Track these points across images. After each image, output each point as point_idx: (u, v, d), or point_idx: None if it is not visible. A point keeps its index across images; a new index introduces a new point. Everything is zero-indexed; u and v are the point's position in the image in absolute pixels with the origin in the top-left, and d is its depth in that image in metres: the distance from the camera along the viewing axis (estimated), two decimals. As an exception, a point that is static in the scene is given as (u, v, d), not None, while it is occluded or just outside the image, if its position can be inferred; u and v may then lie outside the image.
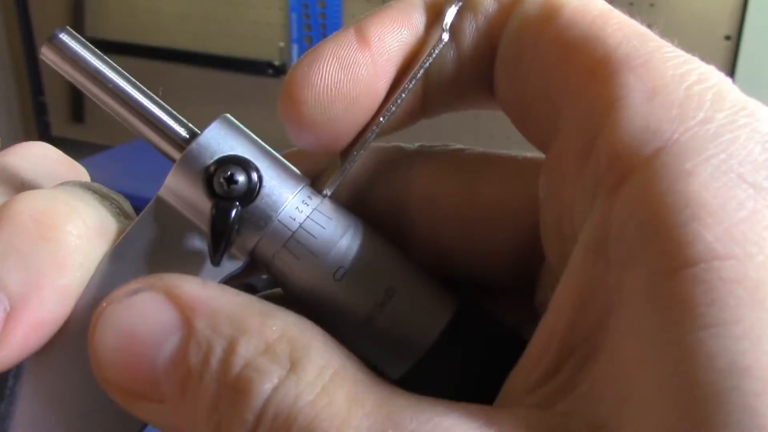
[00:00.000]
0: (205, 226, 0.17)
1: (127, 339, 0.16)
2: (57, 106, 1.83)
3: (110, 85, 0.18)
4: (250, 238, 0.17)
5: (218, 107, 1.71)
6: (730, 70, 1.17)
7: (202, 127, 0.18)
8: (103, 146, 1.56)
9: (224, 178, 0.17)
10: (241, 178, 0.17)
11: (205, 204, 0.17)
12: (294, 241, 0.17)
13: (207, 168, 0.17)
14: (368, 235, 0.18)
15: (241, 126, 0.19)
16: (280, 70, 1.52)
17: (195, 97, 1.65)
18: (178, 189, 0.18)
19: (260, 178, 0.18)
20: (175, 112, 0.19)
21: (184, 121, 0.19)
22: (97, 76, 0.18)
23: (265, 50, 1.53)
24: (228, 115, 0.18)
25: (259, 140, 0.19)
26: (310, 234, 0.17)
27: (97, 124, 1.80)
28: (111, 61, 0.18)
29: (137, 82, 0.18)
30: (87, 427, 0.18)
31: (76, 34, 0.18)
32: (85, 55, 0.18)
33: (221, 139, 0.18)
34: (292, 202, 0.17)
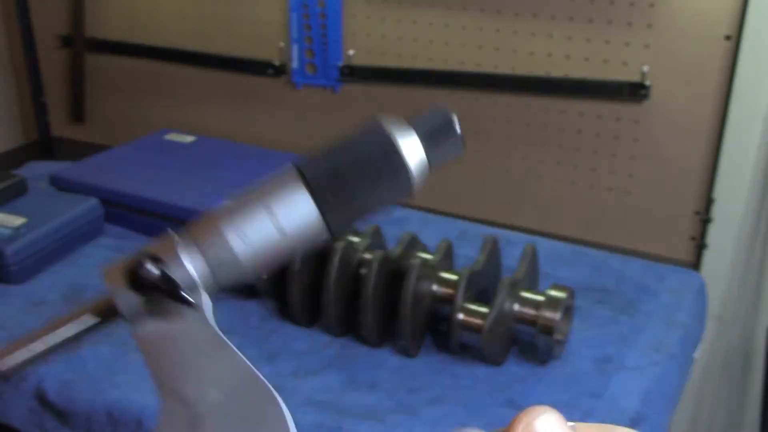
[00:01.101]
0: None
1: None
2: (57, 106, 1.83)
3: (51, 347, 0.25)
4: (190, 283, 0.23)
5: (218, 107, 1.72)
6: (730, 70, 1.17)
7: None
8: (103, 146, 1.55)
9: (140, 273, 0.23)
10: (152, 269, 0.22)
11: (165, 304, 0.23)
12: (209, 261, 0.23)
13: (132, 286, 0.23)
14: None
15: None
16: (280, 70, 1.52)
17: (195, 97, 1.65)
18: (136, 313, 0.23)
19: (154, 256, 0.23)
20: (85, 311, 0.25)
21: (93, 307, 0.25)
22: (39, 354, 0.25)
23: (265, 50, 1.53)
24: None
25: None
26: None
27: (97, 124, 1.80)
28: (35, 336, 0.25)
29: (56, 325, 0.25)
30: None
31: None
32: (23, 355, 0.25)
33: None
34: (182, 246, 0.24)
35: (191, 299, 0.22)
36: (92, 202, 1.23)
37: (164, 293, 0.22)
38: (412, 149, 0.24)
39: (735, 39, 1.15)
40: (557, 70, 1.29)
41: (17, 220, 1.15)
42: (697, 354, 1.11)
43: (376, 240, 1.08)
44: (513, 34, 1.30)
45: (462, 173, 1.43)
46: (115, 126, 1.77)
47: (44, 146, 1.84)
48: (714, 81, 1.19)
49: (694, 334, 1.08)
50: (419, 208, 1.40)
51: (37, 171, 1.45)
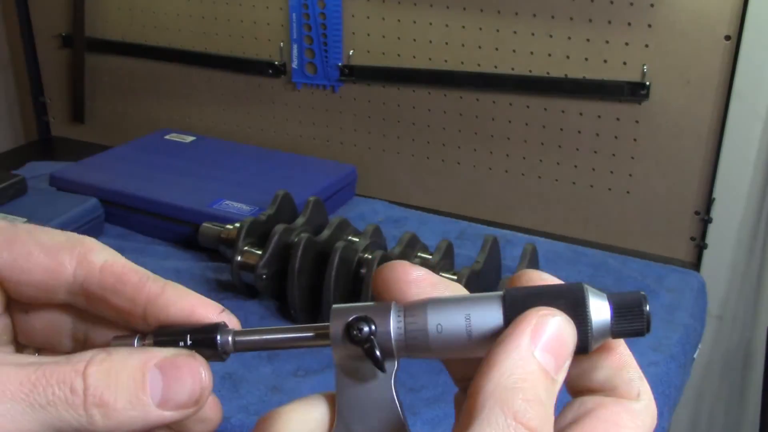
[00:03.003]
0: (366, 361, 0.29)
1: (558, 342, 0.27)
2: (57, 106, 1.83)
3: (273, 341, 0.31)
4: (389, 348, 0.29)
5: (218, 107, 1.72)
6: (730, 70, 1.17)
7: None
8: (103, 146, 1.55)
9: (356, 331, 0.28)
10: (364, 327, 0.28)
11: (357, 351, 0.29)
12: (406, 337, 0.29)
13: (348, 336, 0.29)
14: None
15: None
16: (280, 70, 1.52)
17: (195, 97, 1.65)
18: (341, 353, 0.29)
19: (369, 318, 0.29)
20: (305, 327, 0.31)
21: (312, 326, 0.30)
22: (264, 341, 0.31)
23: (265, 50, 1.53)
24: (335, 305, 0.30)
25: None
26: (409, 330, 0.29)
27: (97, 124, 1.80)
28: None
29: (283, 329, 0.32)
30: None
31: None
32: (252, 339, 0.31)
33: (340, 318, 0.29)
34: (393, 315, 0.29)
35: (383, 364, 0.28)
36: (92, 202, 1.23)
37: (365, 351, 0.28)
38: (598, 307, 0.28)
39: (735, 39, 1.15)
40: (557, 70, 1.29)
41: (17, 220, 1.15)
42: (697, 354, 1.11)
43: (376, 240, 1.08)
44: (513, 34, 1.30)
45: (462, 173, 1.43)
46: (115, 126, 1.77)
47: (44, 146, 1.84)
48: (714, 81, 1.19)
49: (694, 334, 1.08)
50: (419, 208, 1.40)
51: (37, 171, 1.45)
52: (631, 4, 1.20)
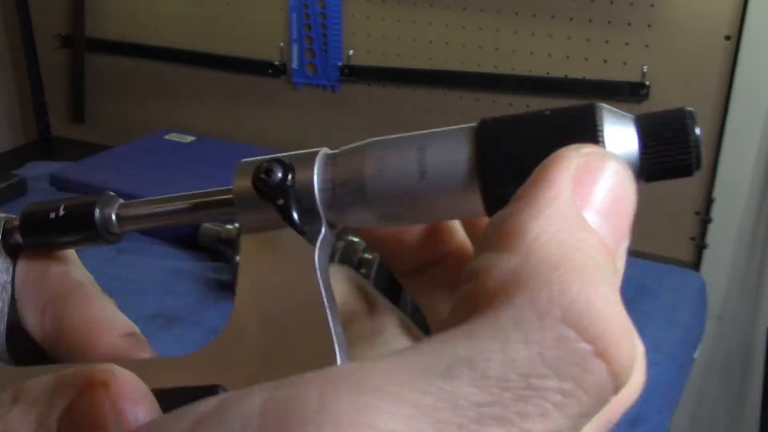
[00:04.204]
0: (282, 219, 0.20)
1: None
2: (57, 106, 1.83)
3: (165, 213, 0.23)
4: (311, 204, 0.20)
5: (218, 107, 1.71)
6: (730, 70, 1.17)
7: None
8: (103, 146, 1.55)
9: (264, 174, 0.20)
10: (277, 172, 0.20)
11: (271, 209, 0.20)
12: (334, 185, 0.20)
13: (254, 186, 0.20)
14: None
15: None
16: (280, 70, 1.52)
17: (195, 97, 1.65)
18: (250, 219, 0.21)
19: (285, 162, 0.20)
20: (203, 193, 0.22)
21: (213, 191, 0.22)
22: (153, 214, 0.23)
23: (265, 50, 1.53)
24: (242, 161, 0.21)
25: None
26: (343, 169, 0.20)
27: (97, 124, 1.80)
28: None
29: (174, 198, 0.23)
30: None
31: None
32: (140, 211, 0.23)
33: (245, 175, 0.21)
34: (320, 160, 0.20)
35: (298, 223, 0.20)
36: (92, 202, 1.23)
37: (277, 207, 0.20)
38: (618, 133, 0.18)
39: (735, 39, 1.15)
40: (557, 70, 1.29)
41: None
42: (697, 354, 1.11)
43: (376, 240, 1.08)
44: (513, 34, 1.30)
45: (462, 173, 1.43)
46: (115, 126, 1.77)
47: (44, 146, 1.84)
48: (714, 81, 1.19)
49: (694, 334, 1.08)
50: (419, 208, 1.40)
51: (37, 171, 1.45)
52: (631, 4, 1.20)
